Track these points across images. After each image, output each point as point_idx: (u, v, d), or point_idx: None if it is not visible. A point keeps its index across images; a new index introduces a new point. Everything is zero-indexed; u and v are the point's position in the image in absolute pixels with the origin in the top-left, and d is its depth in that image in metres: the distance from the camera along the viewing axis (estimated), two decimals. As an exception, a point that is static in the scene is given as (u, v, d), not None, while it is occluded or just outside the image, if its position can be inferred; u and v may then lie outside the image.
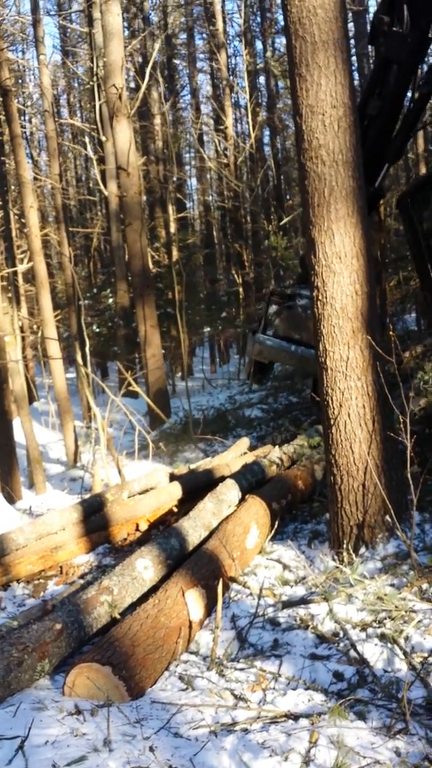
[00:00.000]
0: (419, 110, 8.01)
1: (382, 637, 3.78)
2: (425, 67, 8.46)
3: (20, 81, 27.66)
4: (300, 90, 4.92)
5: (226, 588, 4.67)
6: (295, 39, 4.92)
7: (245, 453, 8.82)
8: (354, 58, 20.98)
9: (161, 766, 2.81)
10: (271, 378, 11.11)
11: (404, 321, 17.90)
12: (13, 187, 23.35)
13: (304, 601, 4.42)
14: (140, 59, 24.27)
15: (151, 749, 2.93)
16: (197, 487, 7.06)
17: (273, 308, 10.11)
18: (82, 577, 5.67)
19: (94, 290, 25.45)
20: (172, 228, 22.21)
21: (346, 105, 4.92)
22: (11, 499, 10.00)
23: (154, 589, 4.42)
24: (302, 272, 10.34)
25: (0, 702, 3.44)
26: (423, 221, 8.90)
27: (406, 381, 7.58)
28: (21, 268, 20.51)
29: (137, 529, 6.63)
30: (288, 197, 29.02)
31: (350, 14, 20.41)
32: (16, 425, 12.36)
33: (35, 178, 21.42)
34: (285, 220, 20.98)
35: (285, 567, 5.21)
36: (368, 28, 25.00)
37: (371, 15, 26.33)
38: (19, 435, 12.27)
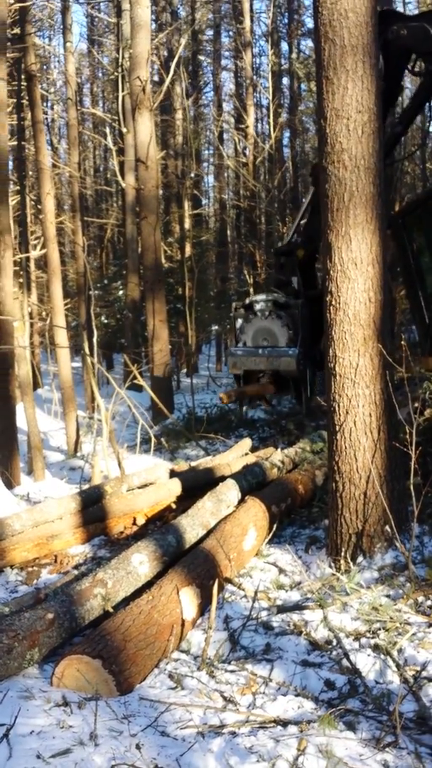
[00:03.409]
0: (392, 145, 9.24)
1: (376, 648, 3.75)
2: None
3: (45, 67, 27.66)
4: (326, 93, 4.89)
5: (220, 588, 4.65)
6: (324, 41, 4.89)
7: (247, 454, 8.79)
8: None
9: (147, 764, 2.78)
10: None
11: (412, 331, 17.83)
12: (30, 173, 23.37)
13: (298, 607, 4.39)
14: (165, 53, 24.22)
15: (138, 747, 2.90)
16: (197, 485, 7.03)
17: (239, 322, 10.46)
18: (76, 567, 5.64)
19: (105, 281, 25.45)
20: (187, 224, 22.17)
21: (372, 111, 4.88)
22: (10, 484, 9.97)
23: (148, 585, 4.39)
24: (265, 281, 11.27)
25: (-13, 688, 3.42)
26: (413, 241, 9.13)
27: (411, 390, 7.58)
28: (34, 254, 20.53)
29: (134, 523, 6.60)
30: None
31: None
32: (19, 411, 12.33)
33: (54, 166, 21.41)
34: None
35: (281, 571, 5.18)
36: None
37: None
38: (21, 421, 12.24)
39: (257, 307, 10.33)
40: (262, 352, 9.95)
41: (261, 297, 10.43)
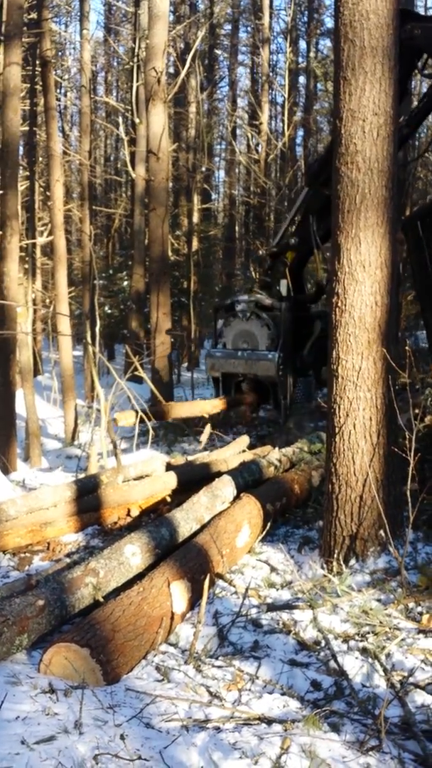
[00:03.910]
0: (398, 147, 8.67)
1: (364, 651, 3.75)
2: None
3: (60, 54, 27.59)
4: (343, 93, 4.87)
5: (211, 584, 4.64)
6: (344, 42, 4.86)
7: (244, 451, 8.78)
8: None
9: (130, 755, 2.78)
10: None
11: (416, 337, 17.80)
12: (41, 159, 23.33)
13: (288, 606, 4.39)
14: (182, 45, 24.14)
15: (122, 737, 2.90)
16: (193, 479, 7.02)
17: (221, 323, 10.22)
18: (68, 555, 5.64)
19: (110, 271, 25.43)
20: (195, 218, 22.13)
21: (388, 113, 4.86)
22: (6, 470, 9.98)
23: (139, 577, 4.38)
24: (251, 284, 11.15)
25: (-25, 672, 3.42)
26: (429, 245, 8.96)
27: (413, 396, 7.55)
28: (40, 240, 20.49)
29: (128, 515, 6.60)
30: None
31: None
32: (19, 397, 12.34)
33: (64, 153, 21.38)
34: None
35: (273, 569, 5.18)
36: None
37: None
38: (20, 407, 12.25)
39: (238, 307, 10.06)
40: (242, 354, 9.67)
41: (243, 297, 10.12)
